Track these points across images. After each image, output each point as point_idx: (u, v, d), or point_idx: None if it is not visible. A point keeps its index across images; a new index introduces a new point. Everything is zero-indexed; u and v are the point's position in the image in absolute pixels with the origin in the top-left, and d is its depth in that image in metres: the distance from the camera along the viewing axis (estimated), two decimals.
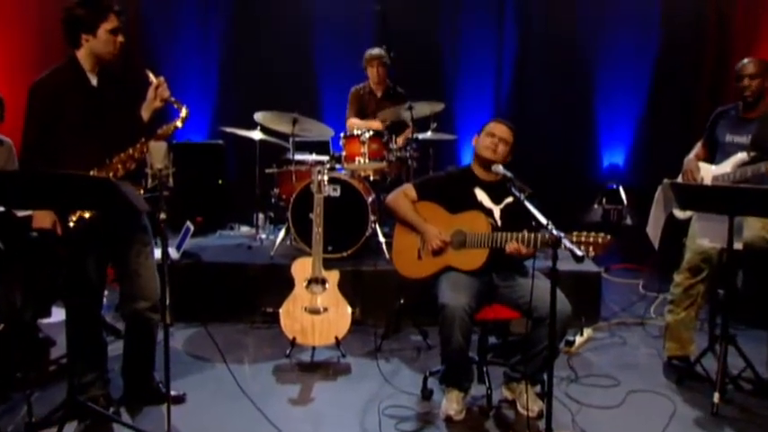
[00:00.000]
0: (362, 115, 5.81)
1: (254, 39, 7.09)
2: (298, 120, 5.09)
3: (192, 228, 5.09)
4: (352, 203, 4.96)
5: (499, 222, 3.38)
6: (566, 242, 2.69)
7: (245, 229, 6.37)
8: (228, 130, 5.67)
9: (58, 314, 4.25)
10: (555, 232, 2.73)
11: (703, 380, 3.66)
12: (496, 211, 3.41)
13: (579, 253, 2.60)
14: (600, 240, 2.84)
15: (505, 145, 3.40)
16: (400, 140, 5.52)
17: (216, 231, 6.21)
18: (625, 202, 6.88)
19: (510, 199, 3.39)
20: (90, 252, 3.12)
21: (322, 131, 5.42)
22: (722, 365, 3.40)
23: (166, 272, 2.89)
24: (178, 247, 4.96)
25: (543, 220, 2.82)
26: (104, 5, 3.07)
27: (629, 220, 6.82)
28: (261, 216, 6.11)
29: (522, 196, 3.06)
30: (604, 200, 6.93)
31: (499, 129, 3.42)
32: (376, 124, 5.50)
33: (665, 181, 3.97)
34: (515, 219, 3.30)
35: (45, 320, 4.23)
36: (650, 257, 5.42)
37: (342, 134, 5.27)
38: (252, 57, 7.09)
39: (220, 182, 6.49)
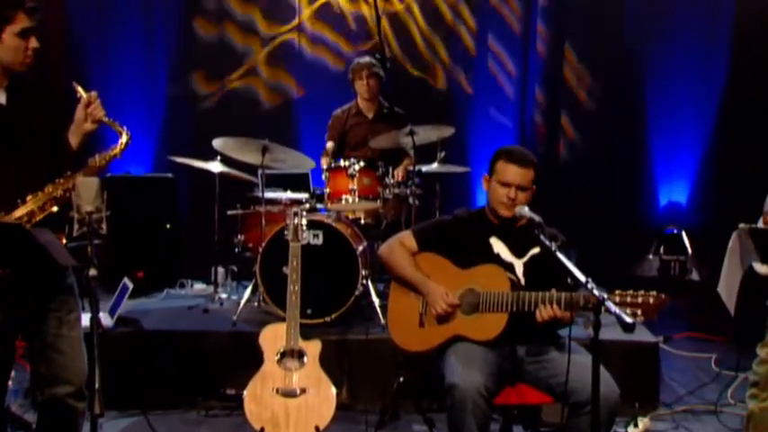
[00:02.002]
0: (346, 144, 5.91)
1: None
2: (268, 148, 5.13)
3: (130, 286, 5.09)
4: (337, 254, 4.98)
5: (522, 279, 3.39)
6: (610, 305, 2.69)
7: (200, 286, 6.38)
8: (180, 160, 5.73)
9: None
10: (596, 292, 2.73)
11: None
12: (519, 265, 3.42)
13: (628, 319, 2.60)
14: (652, 300, 2.85)
15: (525, 191, 3.42)
16: (399, 174, 5.59)
17: (163, 290, 6.21)
18: (689, 251, 6.91)
19: (537, 250, 3.41)
20: None
21: (299, 162, 5.47)
22: None
23: (96, 345, 2.87)
24: (112, 312, 4.95)
25: (581, 277, 2.83)
26: (10, 1, 3.04)
27: (694, 275, 6.84)
28: (221, 270, 6.13)
29: (554, 246, 3.07)
30: (662, 249, 6.96)
31: (513, 173, 3.40)
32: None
33: (742, 226, 3.97)
34: (544, 275, 3.31)
35: None
36: (725, 325, 5.42)
37: (324, 166, 5.31)
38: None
39: (169, 226, 6.53)
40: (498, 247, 3.46)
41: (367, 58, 5.80)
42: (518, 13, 7.31)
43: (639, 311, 2.83)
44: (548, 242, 3.10)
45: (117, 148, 3.21)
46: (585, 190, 7.13)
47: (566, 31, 7.31)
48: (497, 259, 3.42)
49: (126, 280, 5.12)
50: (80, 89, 3.18)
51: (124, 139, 3.22)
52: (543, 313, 3.15)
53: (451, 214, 3.65)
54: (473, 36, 7.32)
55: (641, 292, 2.87)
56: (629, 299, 2.86)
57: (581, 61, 7.32)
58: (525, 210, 3.34)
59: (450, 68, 7.32)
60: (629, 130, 7.25)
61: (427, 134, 5.36)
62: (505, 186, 3.40)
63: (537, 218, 3.27)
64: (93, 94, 3.17)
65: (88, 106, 3.15)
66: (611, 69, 7.22)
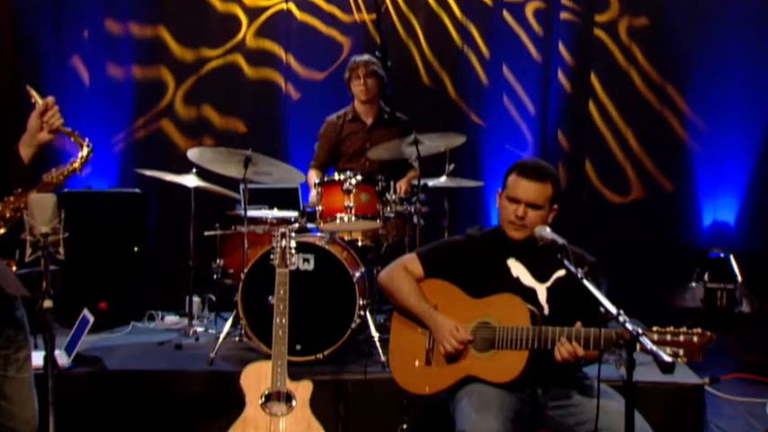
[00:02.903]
0: (341, 155, 5.95)
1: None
2: (252, 159, 5.15)
3: (91, 319, 5.08)
4: (331, 281, 4.99)
5: (546, 309, 3.39)
6: (646, 341, 2.68)
7: (172, 319, 6.38)
8: (150, 173, 5.74)
9: None
10: (629, 326, 2.73)
11: None
12: (541, 291, 3.42)
13: (667, 358, 2.60)
14: (696, 339, 2.82)
15: (538, 209, 3.41)
16: (402, 188, 5.63)
17: (128, 323, 6.21)
18: (738, 278, 6.88)
19: (561, 273, 3.40)
20: None
21: (287, 176, 5.50)
22: None
23: (51, 388, 2.87)
24: (70, 349, 4.94)
25: (612, 309, 2.82)
26: None
27: (744, 306, 6.81)
28: (196, 300, 6.15)
29: (581, 272, 3.06)
30: (707, 275, 6.93)
31: (524, 188, 3.40)
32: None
33: None
34: (570, 304, 3.30)
35: None
36: None
37: (315, 180, 5.33)
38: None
39: (137, 249, 6.52)
40: (517, 269, 3.46)
41: (365, 56, 5.85)
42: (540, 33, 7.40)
43: (682, 352, 2.80)
44: (573, 267, 3.07)
45: (77, 162, 3.20)
46: (618, 207, 7.19)
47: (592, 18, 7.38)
48: (516, 284, 3.41)
49: (86, 312, 5.11)
50: (34, 93, 3.16)
51: (85, 151, 3.21)
52: (563, 351, 3.14)
53: (463, 234, 3.66)
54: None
55: (683, 329, 2.84)
56: (668, 337, 2.82)
57: None
58: (546, 231, 3.30)
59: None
60: (669, 138, 7.29)
61: (434, 143, 5.37)
62: (514, 203, 3.41)
63: (560, 240, 3.24)
64: (50, 99, 3.15)
65: (44, 114, 3.12)
66: (647, 71, 7.27)
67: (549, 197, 3.42)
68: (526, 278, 3.45)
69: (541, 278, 3.45)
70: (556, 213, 3.47)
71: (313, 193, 5.29)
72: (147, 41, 7.31)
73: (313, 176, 5.77)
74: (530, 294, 3.40)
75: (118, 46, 7.28)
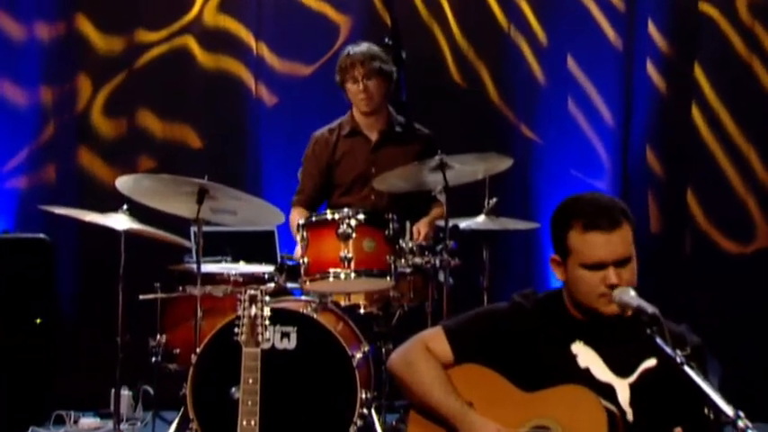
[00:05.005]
0: (335, 185, 6.00)
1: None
2: (209, 191, 5.19)
3: None
4: (321, 366, 5.01)
5: (629, 414, 3.38)
6: None
7: (89, 421, 6.38)
8: (61, 211, 5.78)
9: None
10: None
11: None
12: (622, 389, 3.40)
13: None
14: None
15: (627, 263, 3.35)
16: (422, 233, 5.65)
17: (26, 429, 6.20)
18: None
19: (653, 362, 3.40)
20: None
21: (259, 215, 5.56)
22: None
23: None
24: None
25: (728, 409, 2.81)
26: None
27: None
28: (125, 394, 6.17)
29: (680, 356, 3.04)
30: None
31: (602, 245, 3.30)
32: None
33: None
34: (664, 405, 3.31)
35: None
36: None
37: (299, 221, 5.36)
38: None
39: (39, 321, 6.53)
40: (587, 357, 3.44)
41: (364, 46, 5.88)
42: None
43: None
44: (670, 350, 3.05)
45: None
46: (735, 259, 7.16)
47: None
48: (586, 378, 3.40)
49: None
50: None
51: None
52: None
53: (508, 301, 3.63)
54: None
55: None
56: None
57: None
58: (630, 295, 3.26)
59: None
60: None
61: (468, 167, 5.41)
62: (597, 269, 3.35)
63: (650, 308, 3.18)
64: None
65: None
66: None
67: (632, 240, 3.39)
68: (600, 370, 3.43)
69: (622, 370, 3.43)
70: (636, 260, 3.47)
71: (297, 240, 5.31)
72: (59, 41, 7.39)
73: (296, 216, 5.77)
74: (606, 393, 3.38)
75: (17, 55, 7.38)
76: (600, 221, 3.32)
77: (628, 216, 3.37)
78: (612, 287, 3.28)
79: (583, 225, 3.33)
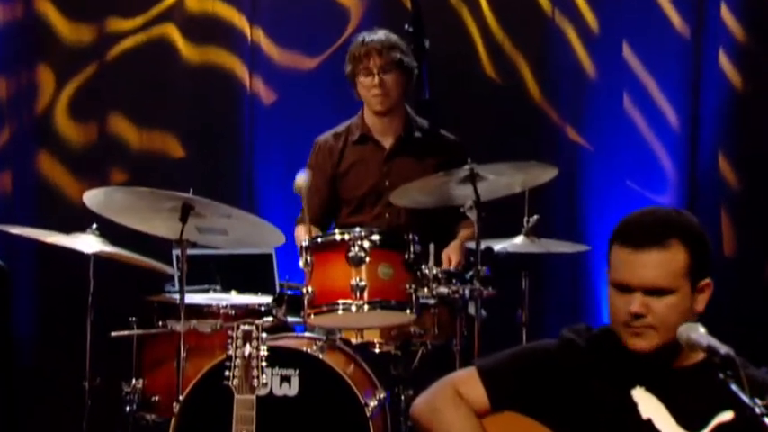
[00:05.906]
0: (343, 201, 6.03)
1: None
2: (195, 207, 5.20)
3: None
4: (329, 416, 5.01)
5: None
6: None
7: None
8: (16, 231, 5.78)
9: None
10: None
11: None
12: None
13: None
14: None
15: (667, 295, 3.33)
16: (450, 257, 5.65)
17: None
18: None
19: (728, 415, 3.35)
20: None
21: (254, 236, 5.57)
22: None
23: None
24: None
25: None
26: None
27: None
28: None
29: (761, 405, 2.99)
30: None
31: (629, 265, 3.31)
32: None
33: None
34: None
35: None
36: None
37: (303, 242, 5.32)
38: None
39: None
40: (649, 406, 3.40)
41: (382, 33, 5.89)
42: None
43: None
44: (747, 398, 3.02)
45: None
46: None
47: None
48: (647, 431, 3.38)
49: None
50: None
51: None
52: None
53: (556, 338, 3.61)
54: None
55: None
56: None
57: None
58: (699, 332, 3.23)
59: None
60: None
61: (504, 179, 5.42)
62: (624, 291, 3.35)
63: (723, 348, 3.14)
64: None
65: None
66: None
67: (682, 270, 3.35)
68: (665, 422, 3.40)
69: (692, 424, 3.39)
70: (708, 295, 3.40)
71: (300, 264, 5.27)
72: (16, 25, 7.40)
73: (303, 234, 5.73)
74: None
75: None
76: (631, 236, 3.35)
77: (684, 236, 3.34)
78: (636, 316, 3.29)
79: (616, 238, 3.39)
